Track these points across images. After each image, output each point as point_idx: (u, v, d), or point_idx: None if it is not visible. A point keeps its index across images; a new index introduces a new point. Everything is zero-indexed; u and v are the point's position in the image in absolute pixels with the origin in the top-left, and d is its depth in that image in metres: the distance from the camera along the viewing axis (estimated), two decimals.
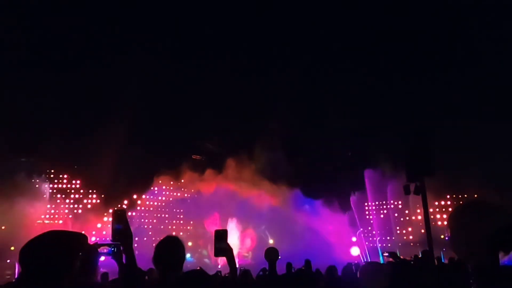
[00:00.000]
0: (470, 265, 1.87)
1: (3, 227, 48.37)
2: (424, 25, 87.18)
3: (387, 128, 61.93)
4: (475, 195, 48.30)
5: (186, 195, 62.31)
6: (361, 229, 57.09)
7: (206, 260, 47.57)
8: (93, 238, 49.71)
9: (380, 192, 57.59)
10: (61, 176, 62.40)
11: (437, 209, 54.48)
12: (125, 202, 59.48)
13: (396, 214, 60.48)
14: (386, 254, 7.30)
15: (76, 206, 60.23)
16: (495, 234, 1.75)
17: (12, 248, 42.82)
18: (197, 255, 51.25)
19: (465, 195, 55.28)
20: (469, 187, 52.51)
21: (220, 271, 16.05)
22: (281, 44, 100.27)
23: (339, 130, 61.73)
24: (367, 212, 61.87)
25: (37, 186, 59.86)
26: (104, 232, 54.53)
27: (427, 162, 9.29)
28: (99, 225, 55.01)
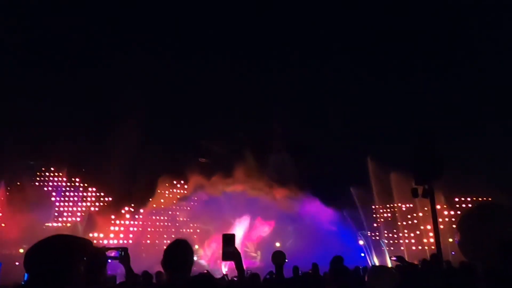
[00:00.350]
0: (480, 269, 1.85)
1: (12, 230, 48.87)
2: (424, 25, 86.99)
3: (388, 128, 61.61)
4: (484, 198, 47.79)
5: (192, 197, 62.38)
6: (368, 232, 56.70)
7: (202, 261, 47.35)
8: (103, 242, 49.96)
9: (387, 193, 57.17)
10: (69, 179, 62.86)
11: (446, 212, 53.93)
12: (132, 205, 59.75)
13: (403, 217, 59.94)
14: (394, 258, 7.25)
15: (84, 209, 60.59)
16: (507, 237, 1.73)
17: (21, 250, 43.26)
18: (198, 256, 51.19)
19: (474, 198, 54.67)
20: (478, 190, 51.91)
21: (226, 275, 16.06)
22: (281, 44, 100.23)
23: (342, 130, 61.49)
24: (374, 216, 61.49)
25: (45, 189, 60.41)
26: (111, 235, 54.85)
27: (435, 164, 9.21)
28: (107, 228, 55.29)
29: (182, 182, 64.30)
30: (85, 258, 2.01)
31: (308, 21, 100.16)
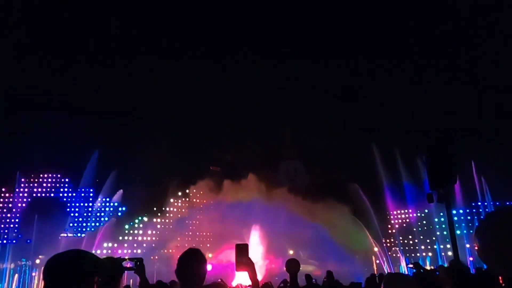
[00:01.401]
0: (501, 277, 1.79)
1: (28, 241, 49.62)
2: (424, 25, 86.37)
3: (389, 128, 60.64)
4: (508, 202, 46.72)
5: (205, 206, 62.44)
6: (383, 239, 55.84)
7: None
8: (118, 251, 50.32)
9: (401, 199, 56.37)
10: (83, 189, 63.58)
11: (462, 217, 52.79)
12: (145, 214, 60.13)
13: (419, 223, 58.96)
14: (411, 265, 7.12)
15: (99, 219, 61.11)
16: None
17: (37, 261, 43.89)
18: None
19: (494, 202, 53.40)
20: (498, 193, 50.75)
21: (240, 284, 15.97)
22: (281, 44, 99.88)
23: (344, 132, 60.67)
24: (389, 225, 60.66)
25: (60, 200, 61.27)
26: (125, 245, 55.20)
27: (450, 168, 9.02)
28: (120, 238, 55.69)
29: (194, 191, 64.47)
30: (99, 278, 2.04)
31: (308, 21, 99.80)
